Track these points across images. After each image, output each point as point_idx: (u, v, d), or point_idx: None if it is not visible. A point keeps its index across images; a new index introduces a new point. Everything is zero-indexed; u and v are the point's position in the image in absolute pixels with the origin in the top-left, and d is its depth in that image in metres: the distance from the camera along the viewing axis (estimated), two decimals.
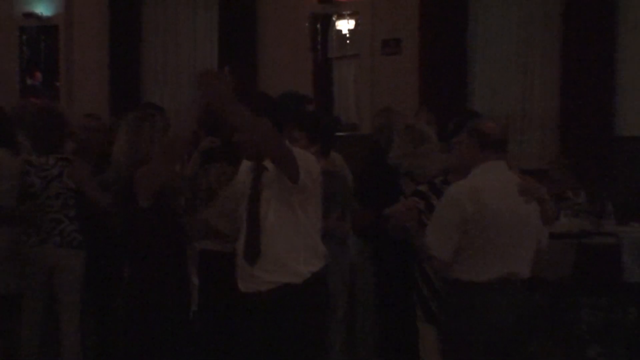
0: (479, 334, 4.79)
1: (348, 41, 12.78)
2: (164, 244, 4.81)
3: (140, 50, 13.25)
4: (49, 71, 13.90)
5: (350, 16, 12.57)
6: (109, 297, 6.47)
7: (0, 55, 13.96)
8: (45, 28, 13.97)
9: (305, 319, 4.65)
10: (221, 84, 4.37)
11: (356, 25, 12.56)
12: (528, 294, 4.92)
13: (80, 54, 13.69)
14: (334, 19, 12.71)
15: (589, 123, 11.00)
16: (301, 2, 12.54)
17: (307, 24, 12.58)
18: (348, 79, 12.95)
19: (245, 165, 4.82)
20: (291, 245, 4.60)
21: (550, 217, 4.95)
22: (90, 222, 6.27)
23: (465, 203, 4.75)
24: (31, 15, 13.83)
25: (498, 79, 11.82)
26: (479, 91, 11.86)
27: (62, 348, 6.23)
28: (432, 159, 5.63)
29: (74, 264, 6.19)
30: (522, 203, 4.80)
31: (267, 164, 4.53)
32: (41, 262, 6.19)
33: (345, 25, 12.67)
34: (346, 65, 12.97)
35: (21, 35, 14.06)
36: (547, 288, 8.05)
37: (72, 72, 13.73)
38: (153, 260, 4.77)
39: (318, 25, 12.67)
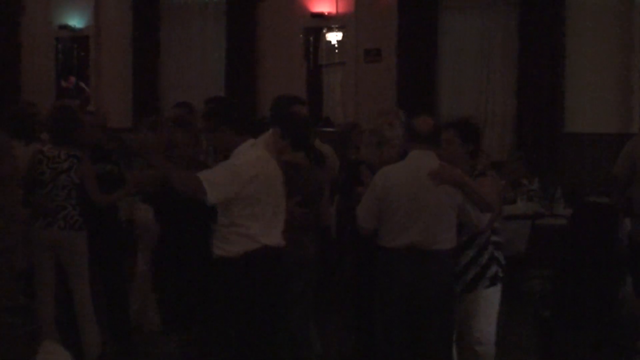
0: (391, 294, 5.04)
1: (336, 51, 12.75)
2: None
3: (159, 58, 13.18)
4: (81, 76, 13.84)
5: (338, 29, 12.53)
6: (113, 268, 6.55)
7: (39, 62, 13.90)
8: (78, 38, 13.89)
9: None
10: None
11: (343, 36, 12.52)
12: (437, 263, 4.97)
13: (107, 61, 13.65)
14: (324, 31, 12.66)
15: (541, 121, 11.06)
16: (295, 17, 12.51)
17: (300, 36, 12.57)
18: (336, 83, 12.92)
19: None
20: None
21: (476, 199, 4.93)
22: (89, 208, 6.22)
23: (377, 183, 5.08)
24: (65, 27, 13.77)
25: (463, 83, 11.85)
26: (447, 94, 11.89)
27: (79, 314, 6.12)
28: (390, 160, 5.61)
29: (77, 243, 6.11)
30: (429, 185, 4.91)
31: None
32: (47, 242, 6.12)
33: (333, 37, 12.62)
34: (334, 72, 12.93)
35: (57, 45, 13.99)
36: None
37: (100, 77, 13.69)
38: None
39: (310, 37, 12.64)
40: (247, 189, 4.75)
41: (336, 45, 12.70)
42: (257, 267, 4.80)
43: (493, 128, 11.63)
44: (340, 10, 12.27)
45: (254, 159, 4.87)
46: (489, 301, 5.25)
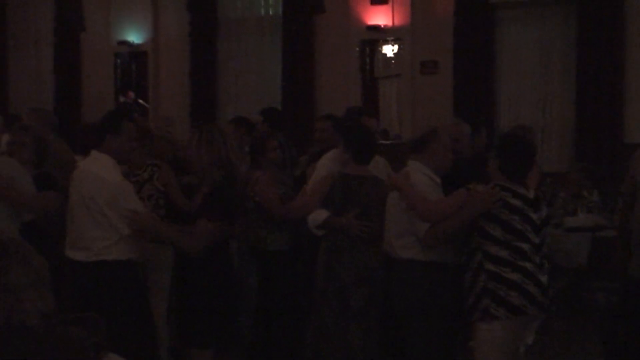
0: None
1: (392, 63, 12.73)
2: None
3: (216, 73, 13.30)
4: (139, 91, 13.99)
5: (394, 41, 12.53)
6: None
7: (99, 77, 14.09)
8: (136, 54, 14.04)
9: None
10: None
11: (399, 49, 12.52)
12: (398, 272, 5.03)
13: (166, 76, 13.80)
14: (379, 44, 12.67)
15: (601, 132, 10.93)
16: (352, 30, 12.53)
17: (357, 49, 12.59)
18: (392, 95, 12.91)
19: None
20: None
21: (407, 204, 4.90)
22: (176, 220, 6.20)
23: None
24: (124, 43, 13.94)
25: (521, 94, 11.78)
26: (505, 105, 11.82)
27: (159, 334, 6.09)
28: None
29: (163, 257, 5.96)
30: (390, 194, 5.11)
31: None
32: None
33: (389, 49, 12.62)
34: (390, 84, 12.92)
35: (116, 60, 14.15)
36: (565, 274, 7.98)
37: (158, 92, 13.84)
38: None
39: (366, 50, 12.65)
40: None
41: (392, 58, 12.68)
42: None
43: (552, 139, 11.52)
44: (396, 22, 12.27)
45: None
46: (482, 337, 4.70)
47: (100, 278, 5.08)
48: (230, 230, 5.14)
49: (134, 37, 13.92)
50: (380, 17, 12.39)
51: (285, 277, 6.11)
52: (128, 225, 4.95)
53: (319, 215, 5.49)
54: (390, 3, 12.24)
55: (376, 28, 12.41)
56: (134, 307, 5.10)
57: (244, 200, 5.89)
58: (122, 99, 13.99)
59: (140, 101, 13.84)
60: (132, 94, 13.93)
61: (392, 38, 12.52)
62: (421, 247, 4.93)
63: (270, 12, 13.22)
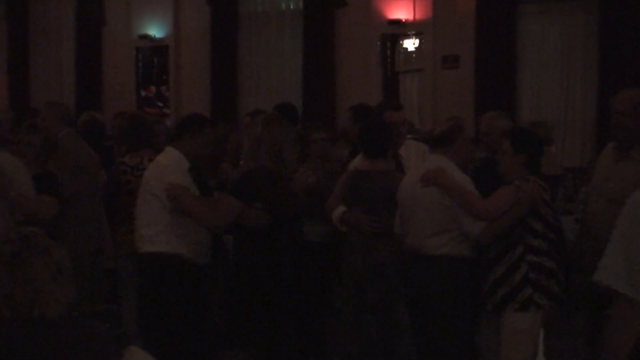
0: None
1: (413, 57, 12.70)
2: None
3: (237, 67, 13.32)
4: (160, 85, 14.02)
5: (415, 36, 12.51)
6: None
7: (120, 71, 14.12)
8: (157, 48, 14.05)
9: None
10: None
11: (420, 43, 12.50)
12: (426, 269, 4.92)
13: (187, 70, 13.83)
14: (400, 38, 12.64)
15: None
16: (372, 25, 12.53)
17: (377, 43, 12.59)
18: (413, 90, 12.88)
19: None
20: None
21: (459, 203, 4.79)
22: None
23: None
24: (145, 37, 13.96)
25: (543, 88, 11.76)
26: (526, 100, 11.77)
27: None
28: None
29: None
30: (421, 189, 4.91)
31: None
32: (132, 246, 6.18)
33: (410, 44, 12.59)
34: (411, 79, 12.88)
35: (137, 54, 14.16)
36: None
37: (179, 86, 13.87)
38: None
39: (387, 44, 12.63)
40: None
41: (413, 52, 12.65)
42: None
43: (573, 134, 11.48)
44: (418, 16, 12.25)
45: None
46: (518, 327, 4.71)
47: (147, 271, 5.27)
48: (264, 219, 5.05)
49: (155, 31, 13.95)
50: (401, 11, 12.38)
51: (319, 269, 6.09)
52: (167, 197, 5.05)
53: (337, 212, 5.50)
54: None
55: (397, 22, 12.40)
56: (183, 303, 5.13)
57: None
58: (143, 93, 14.03)
59: (161, 93, 13.87)
60: (153, 88, 13.97)
61: (413, 32, 12.50)
62: (456, 243, 4.89)
63: (291, 6, 13.23)
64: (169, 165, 5.18)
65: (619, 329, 2.96)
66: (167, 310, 5.08)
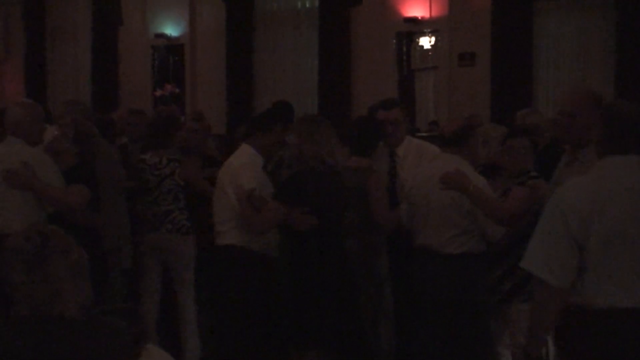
0: (415, 294, 5.17)
1: (429, 55, 12.68)
2: None
3: (252, 66, 13.34)
4: (176, 84, 14.06)
5: (431, 33, 12.49)
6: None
7: (136, 70, 14.18)
8: (173, 47, 14.11)
9: None
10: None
11: (436, 41, 12.49)
12: (444, 267, 4.92)
13: (202, 69, 13.87)
14: (416, 36, 12.63)
15: None
16: (388, 22, 12.52)
17: (393, 41, 12.59)
18: (429, 88, 12.87)
19: None
20: None
21: (482, 208, 4.75)
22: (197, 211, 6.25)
23: (406, 183, 5.35)
24: (161, 36, 14.02)
25: (559, 86, 11.68)
26: (543, 97, 11.73)
27: (181, 318, 6.20)
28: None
29: (183, 247, 6.14)
30: (438, 189, 4.84)
31: None
32: (154, 245, 6.21)
33: (426, 41, 12.58)
34: (427, 76, 12.88)
35: (153, 53, 14.24)
36: None
37: (195, 84, 13.91)
38: None
39: (403, 42, 12.63)
40: None
41: (429, 50, 12.63)
42: None
43: None
44: (434, 14, 12.24)
45: None
46: (526, 317, 4.70)
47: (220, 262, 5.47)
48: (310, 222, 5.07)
49: (171, 30, 14.01)
50: (417, 9, 12.36)
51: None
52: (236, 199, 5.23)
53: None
54: None
55: (413, 20, 12.39)
56: (254, 292, 5.25)
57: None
58: (159, 92, 14.07)
59: (177, 91, 13.92)
60: (169, 87, 14.01)
61: (429, 30, 12.48)
62: (475, 241, 4.90)
63: (307, 5, 13.23)
64: (242, 165, 5.31)
65: (539, 311, 3.47)
66: (237, 299, 5.27)
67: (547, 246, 3.35)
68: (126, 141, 7.63)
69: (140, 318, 5.90)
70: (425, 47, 12.65)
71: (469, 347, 4.93)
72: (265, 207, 5.10)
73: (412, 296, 5.20)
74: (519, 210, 4.74)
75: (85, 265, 2.72)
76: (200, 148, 6.90)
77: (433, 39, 12.50)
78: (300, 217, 5.02)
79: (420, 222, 5.07)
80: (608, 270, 3.29)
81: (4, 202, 5.09)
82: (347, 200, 5.27)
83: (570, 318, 3.38)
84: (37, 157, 5.22)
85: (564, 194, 3.40)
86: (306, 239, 5.07)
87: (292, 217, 5.03)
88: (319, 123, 5.26)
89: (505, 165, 5.10)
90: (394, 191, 5.61)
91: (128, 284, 6.72)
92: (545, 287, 3.36)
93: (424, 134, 10.63)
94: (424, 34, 12.56)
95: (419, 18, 12.36)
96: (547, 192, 4.54)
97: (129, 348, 2.68)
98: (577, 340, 3.37)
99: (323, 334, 5.03)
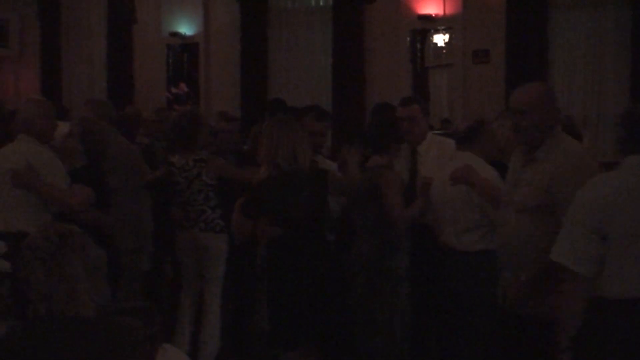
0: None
1: (443, 52, 12.67)
2: None
3: (267, 64, 13.35)
4: (190, 82, 14.09)
5: (445, 31, 12.49)
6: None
7: (150, 68, 14.22)
8: (188, 45, 14.14)
9: None
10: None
11: (450, 38, 12.48)
12: (462, 264, 4.97)
13: (217, 67, 13.89)
14: (430, 33, 12.61)
15: None
16: (402, 19, 12.50)
17: (407, 38, 12.57)
18: (442, 85, 12.86)
19: None
20: None
21: (491, 199, 4.75)
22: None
23: None
24: (176, 35, 14.05)
25: (574, 83, 11.65)
26: (558, 95, 11.64)
27: (204, 315, 6.20)
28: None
29: (216, 245, 6.13)
30: (451, 186, 4.93)
31: None
32: (189, 245, 6.23)
33: (440, 39, 12.59)
34: (440, 74, 12.87)
35: (168, 52, 14.27)
36: None
37: (209, 83, 13.93)
38: None
39: (417, 39, 12.62)
40: None
41: (443, 47, 12.62)
42: None
43: (605, 128, 11.36)
44: (448, 11, 12.21)
45: None
46: None
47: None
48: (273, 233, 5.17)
49: (185, 28, 14.03)
50: (431, 6, 12.34)
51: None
52: None
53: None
54: None
55: (427, 17, 12.36)
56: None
57: None
58: (173, 90, 14.10)
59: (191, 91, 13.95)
60: (183, 85, 14.04)
61: (443, 27, 12.48)
62: (489, 237, 4.88)
63: (321, 2, 13.24)
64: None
65: (569, 301, 3.51)
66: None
67: (575, 238, 3.48)
68: (149, 141, 7.64)
69: (156, 318, 5.87)
70: (439, 45, 12.65)
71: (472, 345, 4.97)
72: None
73: (432, 294, 5.25)
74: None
75: (103, 266, 2.74)
76: (234, 146, 6.96)
77: (447, 36, 12.49)
78: (265, 229, 5.08)
79: (440, 221, 5.16)
80: (629, 261, 3.40)
81: (10, 201, 5.09)
82: (324, 199, 5.26)
83: (590, 308, 3.48)
84: (43, 156, 5.20)
85: (589, 188, 3.52)
86: (277, 245, 5.11)
87: (257, 229, 5.10)
88: (288, 124, 5.21)
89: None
90: (413, 188, 5.60)
91: (145, 285, 6.75)
92: (574, 277, 3.47)
93: (437, 132, 10.61)
94: (438, 32, 12.56)
95: (433, 15, 12.33)
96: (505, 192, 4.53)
97: (144, 348, 2.70)
98: (596, 331, 3.46)
99: (302, 334, 5.04)
